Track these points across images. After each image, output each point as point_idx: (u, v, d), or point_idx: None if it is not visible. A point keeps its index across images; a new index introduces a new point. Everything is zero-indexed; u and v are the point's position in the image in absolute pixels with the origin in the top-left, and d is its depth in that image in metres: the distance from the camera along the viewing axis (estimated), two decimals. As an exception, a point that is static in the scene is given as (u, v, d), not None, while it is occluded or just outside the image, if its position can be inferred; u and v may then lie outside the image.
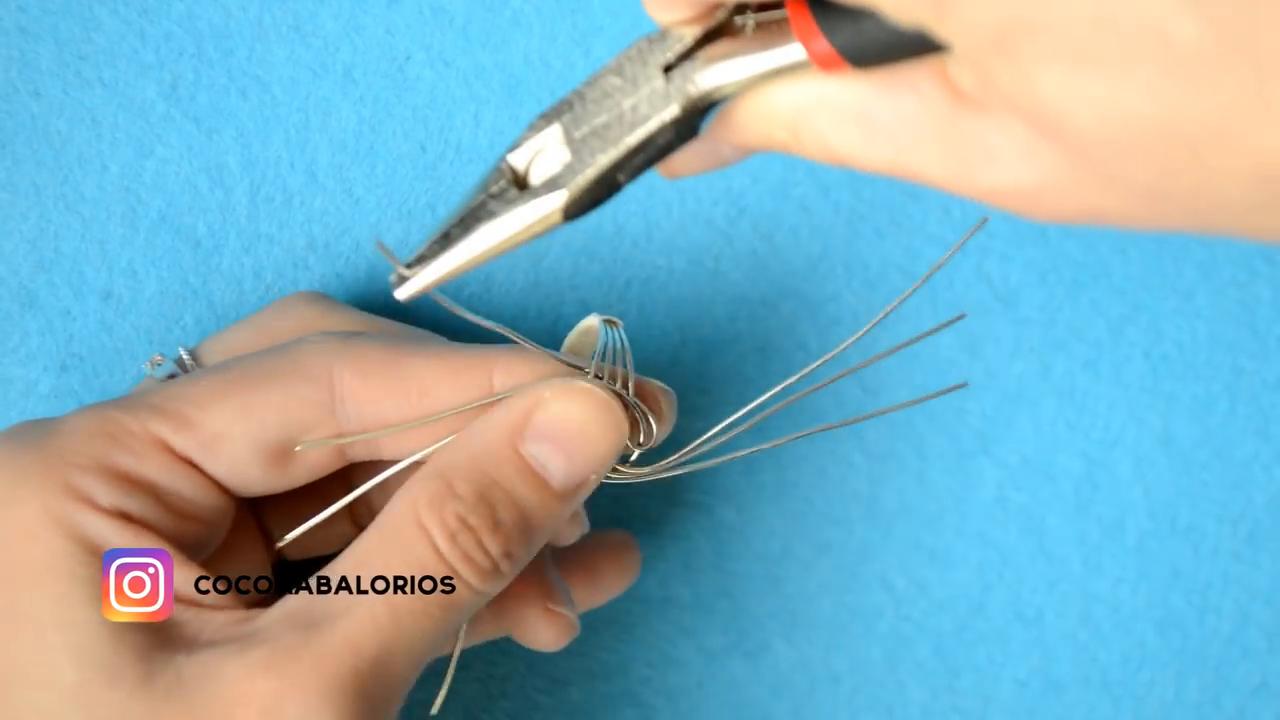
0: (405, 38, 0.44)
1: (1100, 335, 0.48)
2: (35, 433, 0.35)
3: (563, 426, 0.36)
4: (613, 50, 0.45)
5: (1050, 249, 0.47)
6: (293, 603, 0.34)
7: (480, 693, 0.46)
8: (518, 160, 0.32)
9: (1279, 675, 0.49)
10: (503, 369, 0.37)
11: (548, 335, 0.45)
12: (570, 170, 0.31)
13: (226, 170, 0.43)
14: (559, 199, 0.31)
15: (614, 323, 0.38)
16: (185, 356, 0.40)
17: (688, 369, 0.46)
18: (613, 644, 0.47)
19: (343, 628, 0.33)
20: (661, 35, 0.31)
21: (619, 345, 0.37)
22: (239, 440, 0.36)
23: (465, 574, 0.34)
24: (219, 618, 0.34)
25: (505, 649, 0.46)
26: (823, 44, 0.28)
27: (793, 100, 0.29)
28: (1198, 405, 0.48)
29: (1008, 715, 0.49)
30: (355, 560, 0.35)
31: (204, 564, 0.38)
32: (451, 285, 0.45)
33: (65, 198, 0.43)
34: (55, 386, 0.43)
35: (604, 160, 0.30)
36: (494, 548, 0.35)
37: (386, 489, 0.41)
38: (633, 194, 0.45)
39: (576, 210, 0.31)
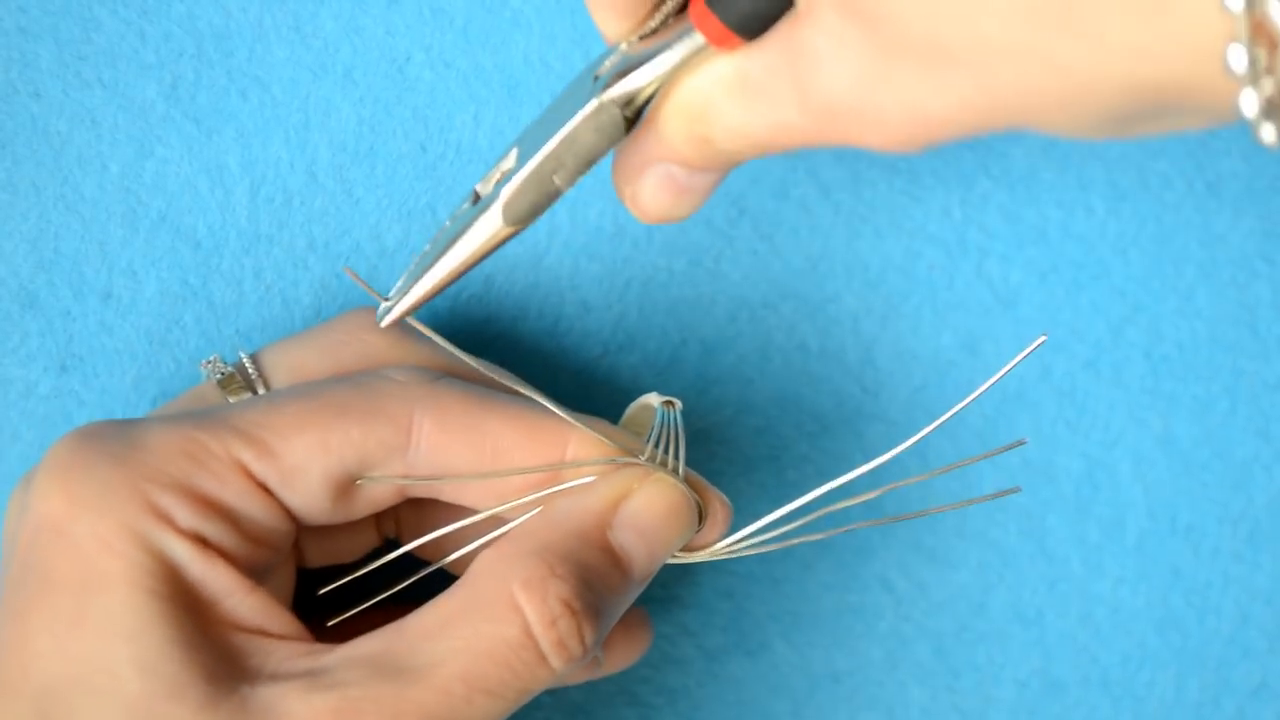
0: (405, 38, 0.44)
1: (1100, 335, 0.48)
2: (118, 443, 0.35)
3: (649, 518, 0.36)
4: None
5: (1050, 249, 0.47)
6: (366, 647, 0.34)
7: (480, 692, 0.47)
8: (484, 186, 0.34)
9: (1279, 675, 0.49)
10: (577, 443, 0.37)
11: (547, 335, 0.46)
12: (507, 179, 0.33)
13: (226, 170, 0.43)
14: (496, 205, 0.33)
15: (672, 404, 0.38)
16: (248, 365, 0.39)
17: (688, 369, 0.46)
18: (613, 644, 0.47)
19: (417, 693, 0.33)
20: (602, 56, 0.33)
21: (674, 427, 0.38)
22: (316, 474, 0.36)
23: (553, 658, 0.34)
24: (284, 649, 0.34)
25: (505, 649, 0.46)
26: (715, 23, 0.30)
27: (700, 87, 0.32)
28: (1198, 405, 0.48)
29: (1008, 715, 0.49)
30: (438, 622, 0.34)
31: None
32: (451, 288, 0.45)
33: (65, 198, 0.43)
34: (55, 387, 0.43)
35: (532, 163, 0.32)
36: (589, 635, 0.34)
37: (420, 515, 0.41)
38: (633, 194, 0.45)
39: (516, 214, 0.33)
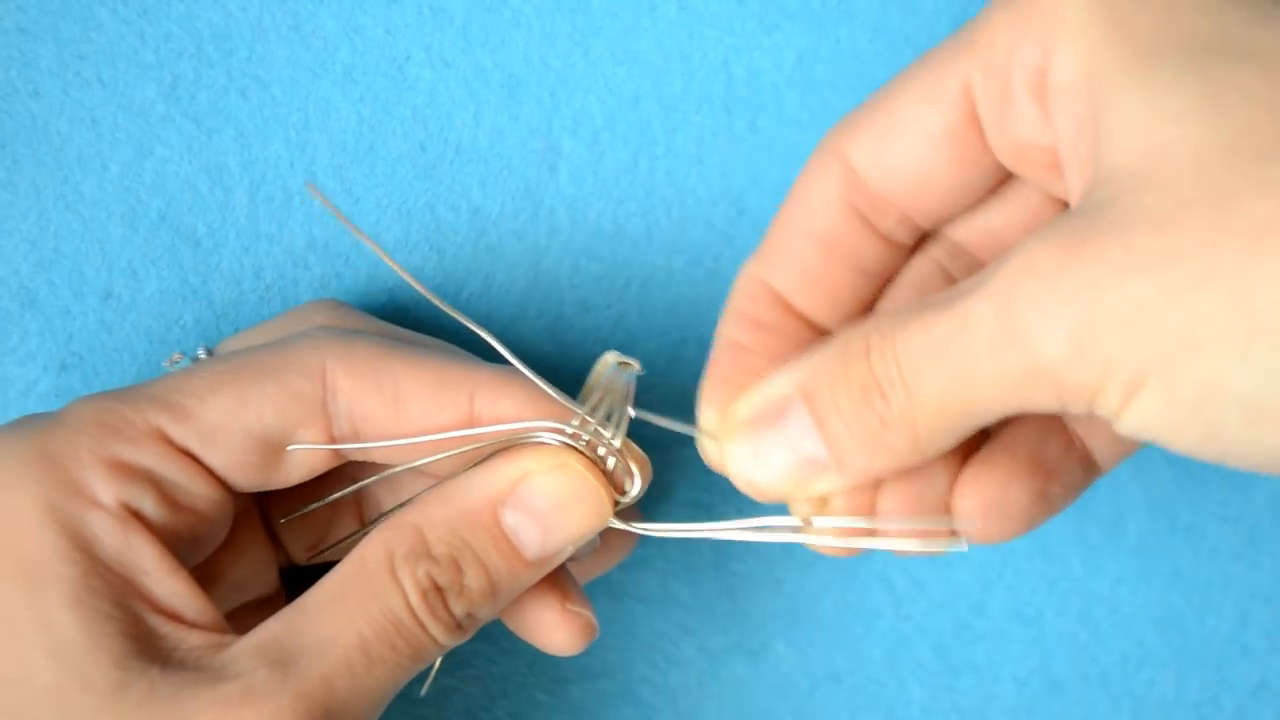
0: (405, 38, 0.44)
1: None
2: (34, 423, 0.35)
3: (544, 502, 0.36)
4: (612, 49, 0.45)
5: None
6: (264, 633, 0.34)
7: (480, 692, 0.47)
8: None
9: (1279, 674, 0.49)
10: (485, 393, 0.37)
11: (546, 335, 0.46)
12: None
13: (226, 170, 0.43)
14: None
15: (629, 364, 0.38)
16: (204, 356, 0.40)
17: (688, 369, 0.46)
18: (613, 643, 0.47)
19: (319, 668, 0.33)
20: None
21: (623, 389, 0.37)
22: (236, 432, 0.36)
23: (434, 630, 0.35)
24: (195, 636, 0.34)
25: (505, 648, 0.46)
26: None
27: None
28: (1198, 405, 0.48)
29: (1008, 715, 0.49)
30: (330, 597, 0.35)
31: (203, 565, 0.38)
32: (450, 286, 0.45)
33: (65, 198, 0.43)
34: (55, 386, 0.43)
35: None
36: (458, 610, 0.35)
37: (392, 487, 0.41)
38: (632, 193, 0.45)
39: None
